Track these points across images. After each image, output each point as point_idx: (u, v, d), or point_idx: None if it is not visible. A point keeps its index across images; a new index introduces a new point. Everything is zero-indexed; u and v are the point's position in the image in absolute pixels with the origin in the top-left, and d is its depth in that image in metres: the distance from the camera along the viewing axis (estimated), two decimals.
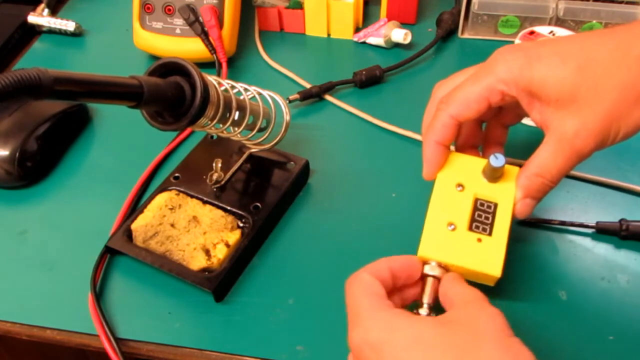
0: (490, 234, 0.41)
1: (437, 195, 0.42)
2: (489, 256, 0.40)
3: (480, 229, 0.41)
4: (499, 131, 0.47)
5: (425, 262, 0.41)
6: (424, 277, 0.40)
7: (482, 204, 0.42)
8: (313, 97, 0.63)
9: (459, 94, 0.41)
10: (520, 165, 0.50)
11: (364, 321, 0.34)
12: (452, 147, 0.45)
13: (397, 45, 0.70)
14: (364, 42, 0.71)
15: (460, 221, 0.41)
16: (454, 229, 0.41)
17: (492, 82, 0.39)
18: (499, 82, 0.39)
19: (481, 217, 0.41)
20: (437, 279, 0.40)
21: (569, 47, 0.39)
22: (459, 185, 0.42)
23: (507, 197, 0.41)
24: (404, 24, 0.71)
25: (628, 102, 0.37)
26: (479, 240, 0.40)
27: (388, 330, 0.33)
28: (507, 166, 0.42)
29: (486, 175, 0.42)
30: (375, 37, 0.69)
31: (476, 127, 0.46)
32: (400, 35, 0.68)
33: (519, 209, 0.42)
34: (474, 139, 0.46)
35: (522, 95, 0.39)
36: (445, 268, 0.40)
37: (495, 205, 0.42)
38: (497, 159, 0.40)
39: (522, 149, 0.56)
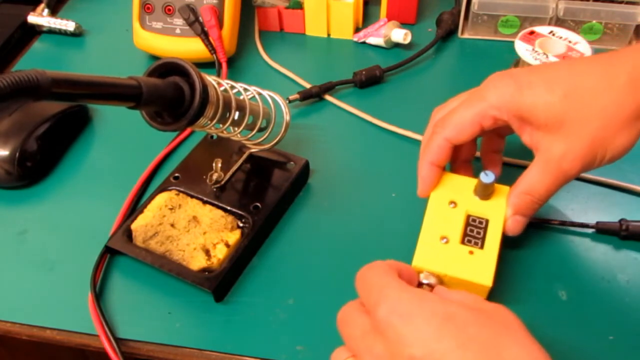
0: (482, 247, 0.43)
1: (430, 211, 0.44)
2: (480, 267, 0.42)
3: (472, 242, 0.43)
4: (496, 140, 0.48)
5: (419, 272, 0.42)
6: (418, 286, 0.42)
7: (474, 220, 0.44)
8: (313, 97, 0.63)
9: (454, 118, 0.43)
10: (517, 165, 0.51)
11: (393, 294, 0.33)
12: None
13: (397, 45, 0.70)
14: (364, 42, 0.71)
15: (452, 235, 0.43)
16: (446, 242, 0.43)
17: (485, 107, 0.41)
18: (491, 107, 0.41)
19: (473, 231, 0.43)
20: (431, 287, 0.41)
21: (558, 74, 0.41)
22: (452, 202, 0.44)
23: (498, 214, 0.44)
24: (404, 24, 0.71)
25: (613, 128, 0.39)
26: (471, 252, 0.42)
27: (419, 302, 0.33)
28: (497, 185, 0.44)
29: (478, 193, 0.44)
30: (375, 37, 0.69)
31: (471, 144, 0.48)
32: (400, 35, 0.68)
33: (509, 226, 0.44)
34: (468, 155, 0.48)
35: (513, 119, 0.41)
36: (438, 277, 0.42)
37: (487, 221, 0.44)
38: (487, 176, 0.42)
39: (522, 150, 0.56)
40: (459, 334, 0.31)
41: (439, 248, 0.43)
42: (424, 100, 0.64)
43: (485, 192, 0.44)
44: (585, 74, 0.40)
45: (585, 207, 0.51)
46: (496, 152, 0.49)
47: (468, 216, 0.44)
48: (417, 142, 0.58)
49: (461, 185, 0.45)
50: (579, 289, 0.46)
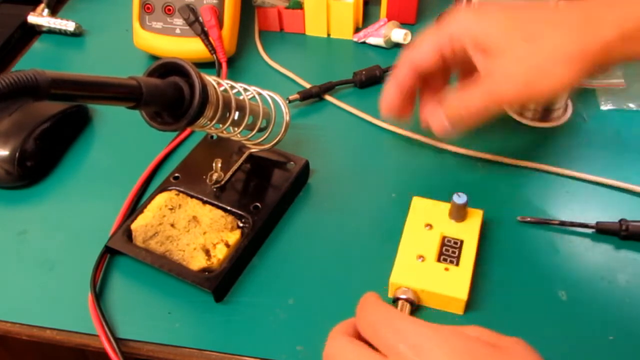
0: (457, 264, 0.45)
1: (407, 233, 0.47)
2: (455, 282, 0.44)
3: (448, 260, 0.45)
4: (429, 94, 0.51)
5: (397, 288, 0.44)
6: (396, 300, 0.44)
7: (449, 241, 0.47)
8: (313, 97, 0.63)
9: (420, 45, 0.48)
10: (519, 166, 0.51)
11: (411, 329, 0.32)
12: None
13: (397, 45, 0.70)
14: (364, 42, 0.71)
15: (428, 254, 0.45)
16: (423, 261, 0.45)
17: (446, 37, 0.46)
18: (452, 34, 0.46)
19: (448, 251, 0.46)
20: (409, 302, 0.44)
21: (516, 7, 0.44)
22: (428, 225, 0.48)
23: (472, 234, 0.47)
24: (404, 24, 0.71)
25: (553, 62, 0.42)
26: (446, 269, 0.45)
27: (439, 338, 0.31)
28: (471, 209, 0.48)
29: (452, 215, 0.47)
30: (375, 37, 0.69)
31: (441, 78, 0.51)
32: (400, 35, 0.68)
33: (435, 122, 0.48)
34: (438, 87, 0.51)
35: (469, 45, 0.45)
36: (415, 293, 0.44)
37: (462, 241, 0.46)
38: (460, 197, 0.46)
39: (522, 149, 0.56)
40: None
41: (415, 266, 0.45)
42: None
43: (459, 213, 0.47)
44: (541, 9, 0.44)
45: (585, 207, 0.51)
46: (439, 90, 0.51)
47: (443, 237, 0.47)
48: (418, 143, 0.58)
49: (437, 210, 0.48)
50: (579, 289, 0.46)
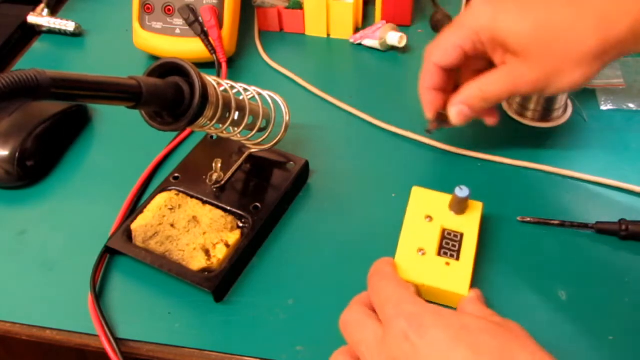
0: (457, 259, 0.45)
1: (407, 225, 0.47)
2: (456, 277, 0.44)
3: (448, 254, 0.45)
4: (470, 74, 0.51)
5: None
6: None
7: (449, 234, 0.46)
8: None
9: (440, 44, 0.49)
10: (519, 166, 0.51)
11: (410, 309, 0.34)
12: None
13: (393, 48, 0.70)
14: (359, 44, 0.70)
15: (429, 247, 0.45)
16: (423, 254, 0.45)
17: (465, 33, 0.47)
18: (471, 33, 0.47)
19: (449, 244, 0.46)
20: None
21: (533, 4, 0.44)
22: (428, 217, 0.47)
23: (472, 228, 0.47)
24: (399, 26, 0.71)
25: (571, 63, 0.43)
26: (447, 264, 0.45)
27: (435, 315, 0.34)
28: (471, 201, 0.47)
29: (453, 207, 0.47)
30: (370, 39, 0.69)
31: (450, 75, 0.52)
32: (395, 38, 0.67)
33: (454, 112, 0.49)
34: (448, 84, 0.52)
35: (488, 43, 0.46)
36: (416, 287, 0.44)
37: (462, 235, 0.46)
38: (462, 190, 0.45)
39: (522, 148, 0.56)
40: (473, 343, 0.32)
41: (416, 259, 0.45)
42: None
43: (460, 206, 0.47)
44: (558, 8, 0.43)
45: (585, 207, 0.51)
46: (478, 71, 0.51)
47: (443, 230, 0.47)
48: (417, 143, 0.58)
49: (437, 201, 0.48)
50: (579, 289, 0.46)
